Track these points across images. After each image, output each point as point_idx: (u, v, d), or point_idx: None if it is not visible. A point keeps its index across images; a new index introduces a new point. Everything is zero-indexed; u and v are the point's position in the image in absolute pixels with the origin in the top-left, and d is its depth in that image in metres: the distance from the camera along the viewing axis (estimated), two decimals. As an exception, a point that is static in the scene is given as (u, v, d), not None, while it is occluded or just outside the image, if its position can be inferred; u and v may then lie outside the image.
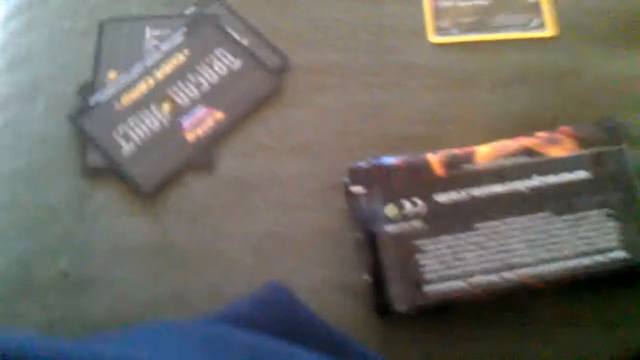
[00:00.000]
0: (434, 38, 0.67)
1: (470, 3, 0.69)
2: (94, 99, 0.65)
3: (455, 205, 0.56)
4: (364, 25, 0.68)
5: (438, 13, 0.68)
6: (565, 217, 0.56)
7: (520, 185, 0.57)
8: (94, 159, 0.63)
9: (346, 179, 0.60)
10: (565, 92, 0.64)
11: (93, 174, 0.63)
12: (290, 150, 0.63)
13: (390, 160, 0.59)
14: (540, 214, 0.56)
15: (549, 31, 0.67)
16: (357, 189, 0.60)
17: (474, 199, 0.56)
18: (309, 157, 0.62)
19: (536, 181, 0.57)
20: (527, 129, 0.60)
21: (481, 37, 0.67)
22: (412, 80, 0.65)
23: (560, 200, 0.56)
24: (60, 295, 0.59)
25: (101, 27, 0.69)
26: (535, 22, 0.67)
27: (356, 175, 0.60)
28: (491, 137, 0.60)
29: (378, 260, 0.56)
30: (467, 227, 0.55)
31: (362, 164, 0.59)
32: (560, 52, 0.66)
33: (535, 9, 0.68)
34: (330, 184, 0.61)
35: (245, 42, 0.67)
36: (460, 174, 0.58)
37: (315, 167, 0.62)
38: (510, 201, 0.56)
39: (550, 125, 0.60)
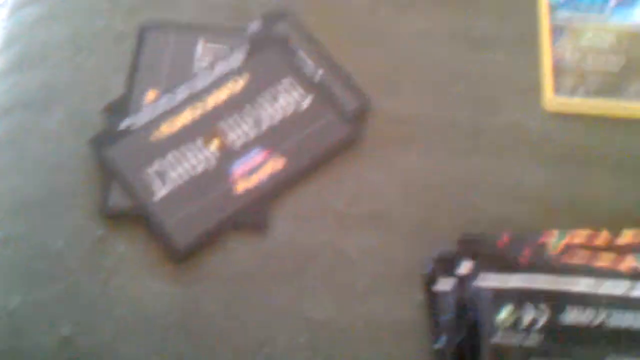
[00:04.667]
0: (553, 99, 0.56)
1: (599, 68, 0.58)
2: (125, 122, 0.56)
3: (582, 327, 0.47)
4: (467, 73, 0.59)
5: (559, 70, 0.57)
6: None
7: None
8: (118, 198, 0.54)
9: (429, 270, 0.51)
10: None
11: (114, 217, 0.53)
12: (362, 219, 0.54)
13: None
14: None
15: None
16: (444, 285, 0.49)
17: (605, 327, 0.47)
18: (383, 230, 0.54)
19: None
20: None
21: (611, 103, 0.56)
22: (518, 150, 0.57)
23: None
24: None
25: (142, 33, 0.60)
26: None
27: (443, 267, 0.51)
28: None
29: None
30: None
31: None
32: None
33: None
34: (406, 270, 0.52)
35: (319, 73, 0.58)
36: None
37: (390, 245, 0.53)
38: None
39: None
